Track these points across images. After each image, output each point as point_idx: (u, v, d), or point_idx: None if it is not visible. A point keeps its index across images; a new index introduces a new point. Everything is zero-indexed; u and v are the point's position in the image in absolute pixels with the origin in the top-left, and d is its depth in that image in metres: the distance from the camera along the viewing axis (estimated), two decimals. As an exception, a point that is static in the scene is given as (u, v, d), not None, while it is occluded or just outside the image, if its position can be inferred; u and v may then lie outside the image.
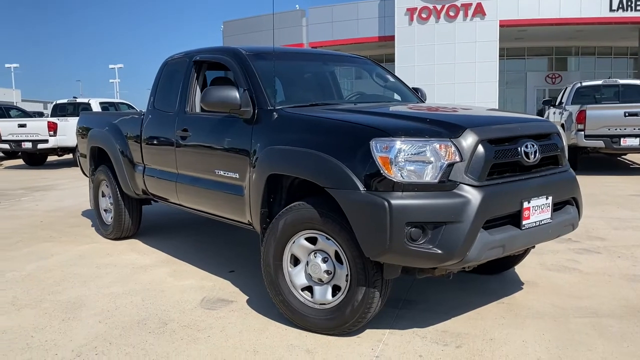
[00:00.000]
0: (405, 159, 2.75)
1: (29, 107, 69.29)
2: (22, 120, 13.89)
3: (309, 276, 3.18)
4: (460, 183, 2.78)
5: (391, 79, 4.68)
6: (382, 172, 2.76)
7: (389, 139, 2.79)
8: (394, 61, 36.03)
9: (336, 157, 2.92)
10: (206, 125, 4.07)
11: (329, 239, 3.05)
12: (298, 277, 3.21)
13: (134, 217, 5.48)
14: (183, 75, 4.50)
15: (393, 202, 2.71)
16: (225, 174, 3.80)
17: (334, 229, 2.96)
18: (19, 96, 74.47)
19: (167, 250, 5.12)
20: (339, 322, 3.06)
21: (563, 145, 3.38)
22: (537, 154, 3.09)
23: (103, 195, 5.75)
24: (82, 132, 6.09)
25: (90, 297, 3.87)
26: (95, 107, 14.80)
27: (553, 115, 12.19)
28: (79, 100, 15.55)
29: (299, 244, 3.17)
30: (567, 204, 3.37)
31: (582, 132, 9.95)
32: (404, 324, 3.28)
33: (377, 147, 2.77)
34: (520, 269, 4.31)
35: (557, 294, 3.75)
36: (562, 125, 10.62)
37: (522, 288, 3.91)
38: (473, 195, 2.77)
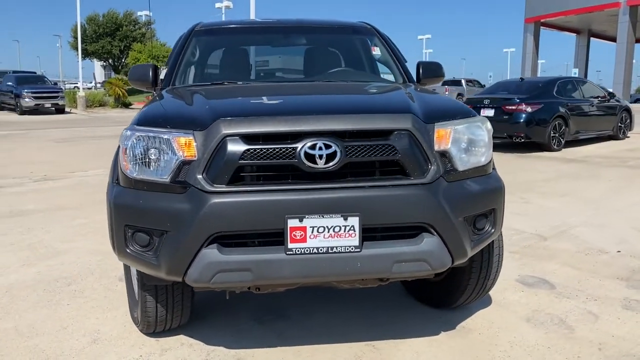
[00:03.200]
0: (139, 152, 2.38)
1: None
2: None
3: None
4: (192, 186, 2.27)
5: (378, 52, 3.84)
6: (121, 164, 2.45)
7: (132, 127, 2.45)
8: None
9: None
10: None
11: None
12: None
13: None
14: None
15: (114, 200, 2.41)
16: None
17: None
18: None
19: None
20: (137, 321, 2.87)
21: (417, 147, 2.34)
22: (337, 158, 2.25)
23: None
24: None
25: (77, 251, 4.40)
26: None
27: None
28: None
29: None
30: (423, 231, 2.37)
31: None
32: (228, 339, 2.85)
33: (124, 136, 2.46)
34: (494, 311, 3.21)
35: (457, 355, 2.69)
36: None
37: (437, 334, 2.91)
38: (196, 202, 2.24)
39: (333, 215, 2.25)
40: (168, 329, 2.88)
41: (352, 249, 2.28)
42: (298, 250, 2.25)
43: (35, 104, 23.42)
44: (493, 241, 2.90)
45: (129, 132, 2.42)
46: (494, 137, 10.75)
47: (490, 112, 10.81)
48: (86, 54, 46.99)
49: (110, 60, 49.62)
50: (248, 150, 2.24)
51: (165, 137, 2.33)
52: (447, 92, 29.89)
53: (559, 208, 5.89)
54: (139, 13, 50.56)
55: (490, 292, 3.41)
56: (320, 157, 2.24)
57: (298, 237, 2.25)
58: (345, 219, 2.26)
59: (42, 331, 2.98)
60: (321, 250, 2.26)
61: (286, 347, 2.78)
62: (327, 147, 2.26)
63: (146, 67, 3.59)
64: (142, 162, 2.37)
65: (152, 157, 2.35)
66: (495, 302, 3.33)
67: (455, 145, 2.47)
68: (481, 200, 2.52)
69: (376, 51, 3.84)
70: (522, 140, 10.65)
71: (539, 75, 42.74)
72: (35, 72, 32.08)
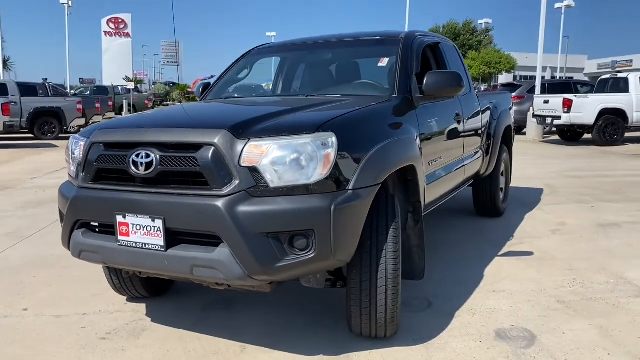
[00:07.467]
0: (69, 153, 3.13)
1: None
2: (547, 97, 14.51)
3: None
4: (77, 183, 2.93)
5: (384, 64, 3.63)
6: None
7: (75, 134, 3.22)
8: None
9: None
10: None
11: None
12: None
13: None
14: None
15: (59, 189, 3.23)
16: None
17: None
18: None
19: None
20: (115, 284, 3.68)
21: (220, 161, 2.45)
22: (152, 166, 2.57)
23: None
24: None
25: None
26: (634, 83, 13.61)
27: None
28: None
29: None
30: (221, 240, 2.47)
31: None
32: (158, 314, 3.40)
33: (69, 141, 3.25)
34: (404, 353, 2.88)
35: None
36: None
37: (312, 355, 2.82)
38: (68, 195, 2.90)
39: (145, 217, 2.60)
40: (138, 297, 3.58)
41: (159, 247, 2.58)
42: (124, 243, 2.68)
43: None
44: (377, 267, 2.71)
45: (70, 138, 3.21)
46: None
47: None
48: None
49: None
50: (100, 155, 2.78)
51: (81, 142, 3.04)
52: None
53: None
54: (479, 21, 51.41)
55: (443, 334, 3.05)
56: (142, 164, 2.62)
57: (124, 232, 2.67)
58: (153, 221, 2.58)
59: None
60: (138, 245, 2.64)
61: (183, 330, 3.15)
62: (148, 156, 2.61)
63: (202, 84, 4.34)
64: (70, 161, 3.13)
65: (73, 157, 3.09)
66: (428, 345, 2.93)
67: (269, 161, 2.45)
68: (291, 218, 2.43)
69: (383, 63, 3.71)
70: None
71: None
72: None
